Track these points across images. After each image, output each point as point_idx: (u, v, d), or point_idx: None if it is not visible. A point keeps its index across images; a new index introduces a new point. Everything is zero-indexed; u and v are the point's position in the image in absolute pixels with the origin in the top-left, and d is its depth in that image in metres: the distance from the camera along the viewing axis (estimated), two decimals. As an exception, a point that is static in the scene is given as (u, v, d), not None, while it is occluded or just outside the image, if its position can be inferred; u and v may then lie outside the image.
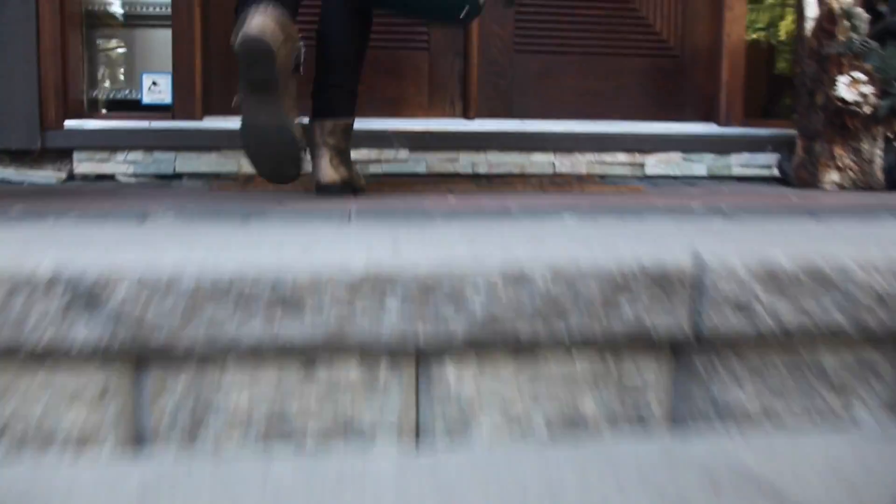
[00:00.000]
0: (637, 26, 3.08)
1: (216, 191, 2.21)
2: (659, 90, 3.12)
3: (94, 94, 2.93)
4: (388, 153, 2.85)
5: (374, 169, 2.83)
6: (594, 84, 3.09)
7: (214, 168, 2.77)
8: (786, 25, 3.28)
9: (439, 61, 3.00)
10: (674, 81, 3.13)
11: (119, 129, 2.73)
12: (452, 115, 3.02)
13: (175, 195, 2.03)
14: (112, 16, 2.94)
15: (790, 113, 2.95)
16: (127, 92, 2.93)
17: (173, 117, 2.81)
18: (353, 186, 1.98)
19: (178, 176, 2.78)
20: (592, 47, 3.06)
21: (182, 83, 2.80)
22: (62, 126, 2.71)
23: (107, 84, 2.96)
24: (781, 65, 3.36)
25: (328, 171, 1.88)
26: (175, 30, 2.80)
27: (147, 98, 2.89)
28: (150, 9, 2.94)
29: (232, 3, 1.82)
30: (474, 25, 2.92)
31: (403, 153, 2.84)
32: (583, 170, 2.95)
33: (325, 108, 1.92)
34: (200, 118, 2.83)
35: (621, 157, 2.96)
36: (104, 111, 2.92)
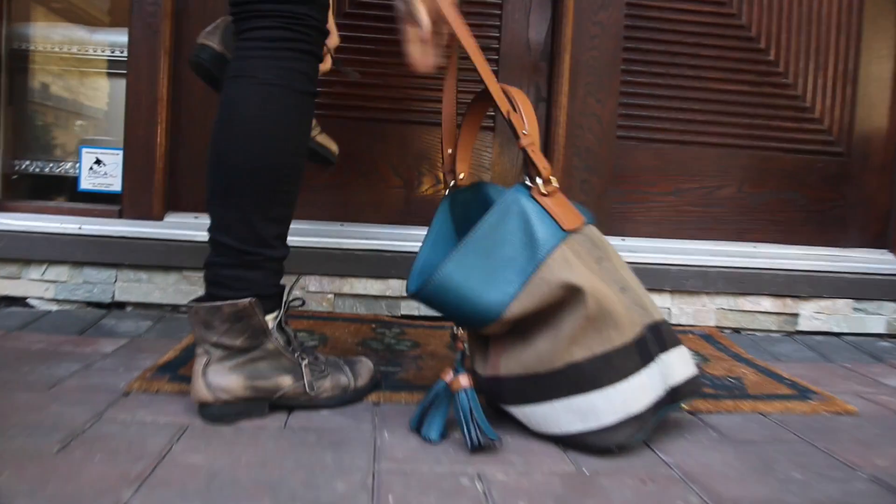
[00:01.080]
0: (787, 108, 2.16)
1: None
2: (815, 200, 2.20)
3: (14, 167, 2.01)
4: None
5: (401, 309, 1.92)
6: (727, 189, 2.16)
7: (172, 297, 1.85)
8: None
9: (505, 151, 2.08)
10: (835, 188, 2.21)
11: (36, 233, 1.81)
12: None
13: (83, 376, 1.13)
14: (49, 58, 2.03)
15: None
16: (60, 166, 2.02)
17: (121, 213, 1.90)
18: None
19: (119, 305, 1.86)
20: (726, 136, 2.15)
21: (136, 164, 1.91)
22: (-48, 222, 1.81)
23: (30, 154, 2.04)
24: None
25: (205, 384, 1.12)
26: (131, 86, 1.89)
27: (86, 182, 1.98)
28: (105, 51, 2.04)
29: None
30: (560, 98, 2.01)
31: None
32: (710, 320, 2.01)
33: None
34: (160, 217, 1.92)
35: (766, 303, 2.03)
36: (20, 201, 1.99)
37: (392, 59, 1.99)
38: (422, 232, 1.97)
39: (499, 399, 1.12)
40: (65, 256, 1.83)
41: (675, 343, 1.10)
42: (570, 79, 2.07)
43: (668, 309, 2.00)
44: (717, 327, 2.01)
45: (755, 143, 2.17)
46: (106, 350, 1.47)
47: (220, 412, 1.09)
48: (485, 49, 2.06)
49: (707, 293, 2.01)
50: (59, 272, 1.85)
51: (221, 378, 1.09)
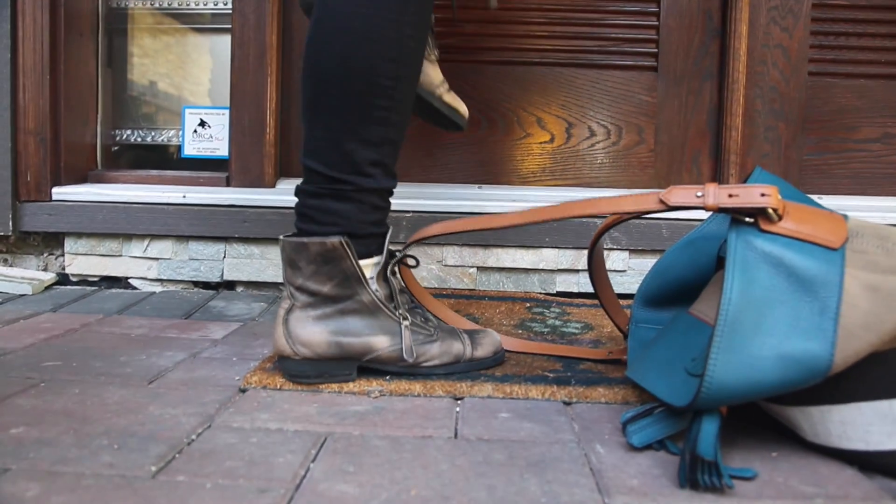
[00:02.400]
0: None
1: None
2: None
3: (114, 138, 1.80)
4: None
5: (567, 284, 1.58)
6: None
7: (289, 275, 1.58)
8: None
9: (671, 94, 1.72)
10: None
11: (136, 205, 1.59)
12: (691, 185, 1.74)
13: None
14: (149, 15, 1.81)
15: None
16: (162, 134, 1.79)
17: (229, 181, 1.65)
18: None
19: (228, 284, 1.61)
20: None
21: (244, 124, 1.64)
22: (49, 196, 1.61)
23: (130, 123, 1.82)
24: None
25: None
26: (236, 34, 1.63)
27: (190, 147, 1.74)
28: (206, 4, 1.79)
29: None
30: (738, 26, 1.64)
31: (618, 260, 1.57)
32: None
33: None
34: (272, 183, 1.66)
35: None
36: (120, 170, 1.77)
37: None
38: (575, 193, 1.65)
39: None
40: (168, 230, 1.60)
41: None
42: (750, 2, 1.68)
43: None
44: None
45: None
46: (216, 336, 1.21)
47: (298, 369, 0.93)
48: (648, -32, 1.70)
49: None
50: (163, 248, 1.61)
51: (302, 328, 0.92)
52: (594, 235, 1.04)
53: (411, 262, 1.06)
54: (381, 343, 0.94)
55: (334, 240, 0.90)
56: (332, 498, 0.64)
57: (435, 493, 0.65)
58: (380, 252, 0.96)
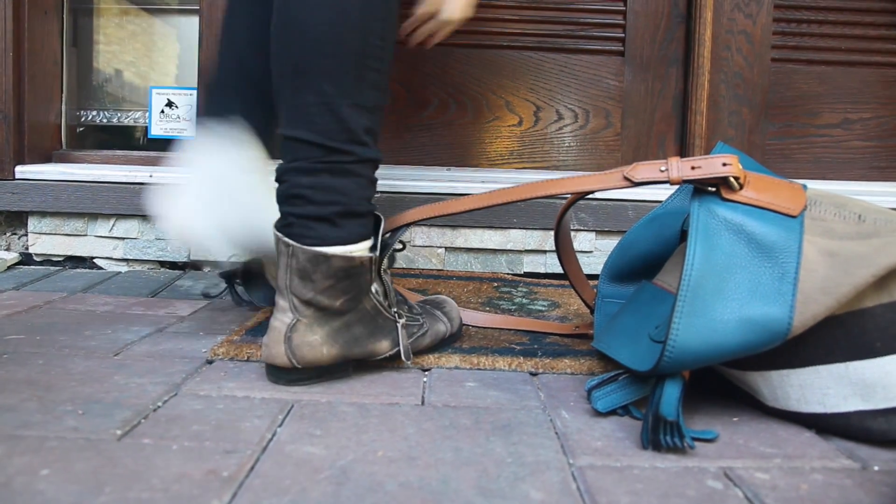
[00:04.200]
0: None
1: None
2: None
3: (80, 118, 1.77)
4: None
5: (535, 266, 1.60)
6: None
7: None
8: None
9: (638, 79, 1.74)
10: None
11: (103, 184, 1.57)
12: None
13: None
14: (114, -8, 1.78)
15: None
16: (129, 115, 1.77)
17: (196, 161, 1.62)
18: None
19: (195, 265, 1.60)
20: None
21: (211, 105, 1.61)
22: (12, 174, 1.58)
23: (96, 104, 1.80)
24: None
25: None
26: (205, 19, 1.62)
27: (157, 128, 1.73)
28: (173, -18, 1.78)
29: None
30: (703, 12, 1.67)
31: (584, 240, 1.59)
32: None
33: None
34: (240, 164, 1.64)
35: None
36: (85, 150, 1.75)
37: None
38: (543, 176, 1.66)
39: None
40: (135, 209, 1.58)
41: None
42: (716, -11, 1.71)
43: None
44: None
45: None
46: (182, 313, 1.20)
47: (295, 377, 0.84)
48: (616, -47, 1.72)
49: None
50: (129, 227, 1.60)
51: (310, 349, 0.83)
52: (559, 212, 1.05)
53: (399, 247, 0.97)
54: (382, 348, 0.88)
55: (364, 256, 0.83)
56: (298, 459, 0.64)
57: (402, 454, 0.66)
58: (373, 235, 0.89)
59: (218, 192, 0.98)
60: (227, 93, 1.05)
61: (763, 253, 0.73)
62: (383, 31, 0.86)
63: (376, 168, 0.90)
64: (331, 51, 0.82)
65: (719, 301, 0.72)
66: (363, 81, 0.84)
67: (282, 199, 0.86)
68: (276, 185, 0.87)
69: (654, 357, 0.75)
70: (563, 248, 1.10)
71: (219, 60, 1.08)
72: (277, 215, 0.87)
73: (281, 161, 0.86)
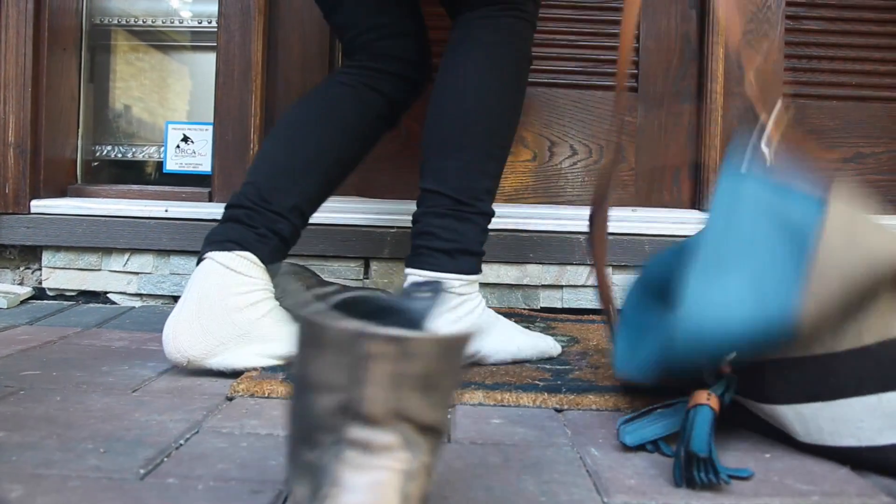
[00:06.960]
0: None
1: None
2: None
3: (95, 153, 1.79)
4: (572, 274, 1.59)
5: (551, 301, 1.59)
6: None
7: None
8: None
9: (651, 114, 1.74)
10: None
11: (117, 218, 1.57)
12: (671, 203, 1.76)
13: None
14: (132, 32, 1.80)
15: None
16: (144, 151, 1.78)
17: (211, 196, 1.63)
18: None
19: (210, 300, 1.58)
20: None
21: (228, 139, 1.64)
22: (28, 208, 1.58)
23: (111, 139, 1.81)
24: None
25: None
26: (221, 49, 1.63)
27: (172, 162, 1.73)
28: (190, 22, 1.80)
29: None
30: (712, 41, 1.67)
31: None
32: None
33: None
34: (255, 199, 1.64)
35: None
36: (100, 185, 1.76)
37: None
38: (557, 211, 1.65)
39: (754, 393, 0.78)
40: (150, 244, 1.58)
41: None
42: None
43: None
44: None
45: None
46: (199, 347, 1.18)
47: None
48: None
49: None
50: (144, 262, 1.59)
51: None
52: (600, 189, 1.04)
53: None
54: None
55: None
56: (327, 498, 0.62)
57: (433, 493, 0.64)
58: (479, 272, 1.07)
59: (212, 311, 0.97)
60: (243, 221, 1.07)
61: (783, 230, 0.73)
62: (510, 120, 1.11)
63: (489, 221, 1.10)
64: (479, 130, 1.06)
65: (735, 274, 0.72)
66: (491, 156, 1.08)
67: (415, 235, 1.06)
68: (412, 225, 1.08)
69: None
70: (598, 230, 1.06)
71: (243, 191, 1.09)
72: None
73: (416, 209, 1.08)
